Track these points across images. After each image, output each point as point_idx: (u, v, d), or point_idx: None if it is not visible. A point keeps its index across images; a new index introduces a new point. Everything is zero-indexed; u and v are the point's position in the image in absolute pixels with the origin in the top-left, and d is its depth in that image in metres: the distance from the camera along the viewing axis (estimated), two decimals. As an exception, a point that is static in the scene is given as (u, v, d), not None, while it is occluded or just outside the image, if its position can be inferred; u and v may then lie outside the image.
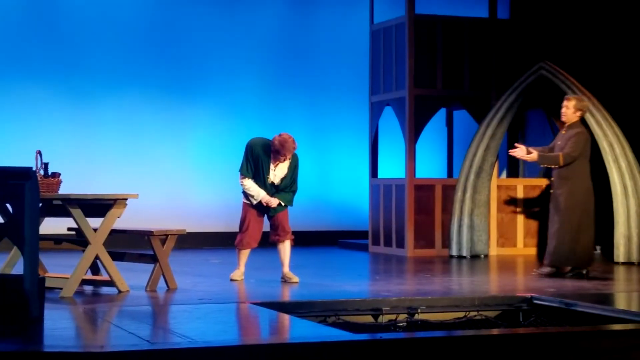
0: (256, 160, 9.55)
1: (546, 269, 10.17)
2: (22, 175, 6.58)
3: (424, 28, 13.45)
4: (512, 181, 13.85)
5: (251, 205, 9.63)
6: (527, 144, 14.50)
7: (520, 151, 10.24)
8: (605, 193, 12.43)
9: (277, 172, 9.62)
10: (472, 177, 12.99)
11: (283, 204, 9.65)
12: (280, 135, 9.57)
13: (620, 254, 12.01)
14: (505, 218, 13.49)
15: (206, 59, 14.88)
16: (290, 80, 15.31)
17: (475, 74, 13.59)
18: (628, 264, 11.76)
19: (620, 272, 10.78)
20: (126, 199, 8.56)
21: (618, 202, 12.09)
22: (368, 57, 14.32)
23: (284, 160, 9.56)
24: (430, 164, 14.88)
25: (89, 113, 14.31)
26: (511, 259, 12.74)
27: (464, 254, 12.91)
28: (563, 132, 10.32)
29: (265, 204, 9.58)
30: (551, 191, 10.30)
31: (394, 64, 13.66)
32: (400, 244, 13.35)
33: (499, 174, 13.77)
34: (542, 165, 10.20)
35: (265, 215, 9.73)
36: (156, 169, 14.50)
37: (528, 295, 8.45)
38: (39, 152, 8.78)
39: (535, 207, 13.61)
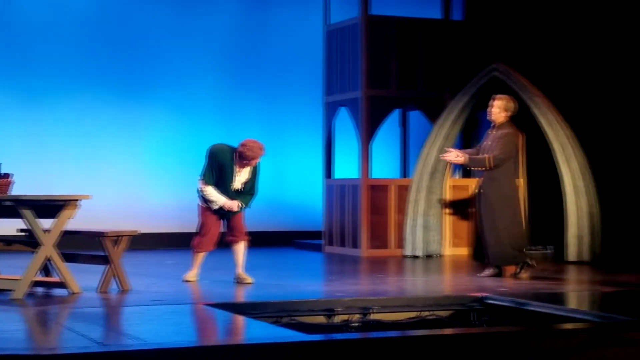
0: (220, 168, 9.51)
1: (489, 271, 10.23)
2: (-28, 176, 6.52)
3: (378, 29, 13.50)
4: (466, 181, 13.93)
5: (210, 208, 9.59)
6: (479, 144, 14.67)
7: (450, 155, 10.27)
8: (557, 193, 12.56)
9: (241, 178, 9.60)
10: (426, 177, 13.06)
11: (242, 206, 9.63)
12: (247, 141, 9.53)
13: (571, 254, 12.13)
14: (459, 218, 13.56)
15: (160, 60, 14.82)
16: (245, 81, 15.29)
17: (430, 74, 13.66)
18: (579, 263, 11.87)
19: (571, 272, 10.88)
20: (78, 200, 8.50)
21: (569, 203, 12.21)
22: (322, 58, 14.33)
23: (250, 166, 9.54)
24: (384, 165, 14.92)
25: (42, 114, 14.19)
26: (465, 259, 12.82)
27: (418, 254, 12.97)
28: (492, 132, 10.33)
29: (227, 209, 9.54)
30: (481, 191, 10.26)
31: (348, 65, 13.69)
32: (355, 244, 13.38)
33: (453, 174, 13.85)
34: (472, 168, 10.23)
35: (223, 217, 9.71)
36: (109, 169, 14.41)
37: (480, 295, 8.50)
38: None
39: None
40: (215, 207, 9.54)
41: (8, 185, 8.65)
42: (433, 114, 13.47)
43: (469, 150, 10.59)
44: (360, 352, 5.90)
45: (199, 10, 15.03)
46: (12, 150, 13.12)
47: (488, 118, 10.35)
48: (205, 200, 9.57)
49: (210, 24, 15.08)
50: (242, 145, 9.51)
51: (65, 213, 8.46)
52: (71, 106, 14.32)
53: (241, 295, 8.78)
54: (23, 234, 9.42)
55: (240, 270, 9.72)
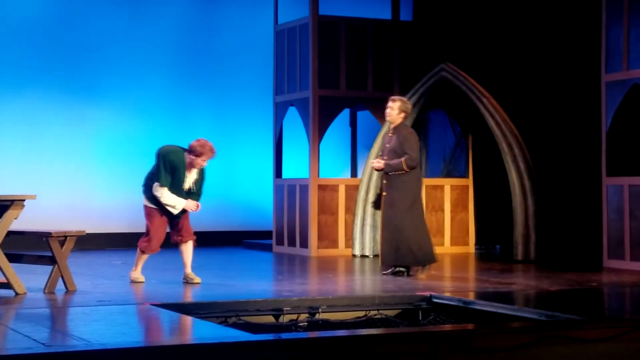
0: (174, 170, 9.47)
1: (391, 269, 10.26)
2: None
3: (327, 29, 13.53)
4: (415, 181, 13.99)
5: (158, 210, 9.54)
6: (430, 144, 14.77)
7: (377, 163, 10.30)
8: (504, 193, 12.67)
9: (190, 178, 9.59)
10: (374, 177, 13.10)
11: (199, 208, 9.62)
12: (198, 140, 9.52)
13: (519, 253, 12.23)
14: (407, 218, 13.61)
15: (109, 58, 14.73)
16: (195, 80, 15.25)
17: (379, 75, 13.72)
18: (526, 262, 11.98)
19: (518, 271, 10.98)
20: (24, 200, 8.43)
21: (517, 202, 12.32)
22: (272, 57, 14.33)
23: (200, 166, 9.52)
24: (333, 164, 14.96)
25: (-12, 112, 14.06)
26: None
27: (367, 254, 13.01)
28: (390, 134, 10.39)
29: (190, 210, 9.51)
30: (383, 193, 10.32)
31: (298, 65, 13.71)
32: (304, 244, 13.40)
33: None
34: (389, 172, 10.26)
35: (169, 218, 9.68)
36: (56, 169, 14.29)
37: (427, 294, 8.56)
38: None
39: (438, 207, 13.79)
40: (176, 211, 9.50)
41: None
42: (382, 114, 13.49)
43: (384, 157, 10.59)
44: (307, 352, 5.91)
45: (149, 9, 14.97)
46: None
47: (387, 119, 10.41)
48: (154, 201, 9.50)
49: (160, 22, 15.01)
50: (195, 144, 9.49)
51: (10, 213, 8.38)
52: (17, 104, 14.19)
53: (189, 295, 8.76)
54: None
55: (189, 270, 9.70)
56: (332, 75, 13.53)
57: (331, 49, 13.53)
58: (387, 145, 10.32)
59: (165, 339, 6.56)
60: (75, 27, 14.56)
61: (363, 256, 12.98)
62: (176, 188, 9.47)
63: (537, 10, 13.45)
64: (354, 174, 14.76)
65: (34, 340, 5.94)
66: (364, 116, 14.62)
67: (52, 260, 8.79)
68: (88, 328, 6.67)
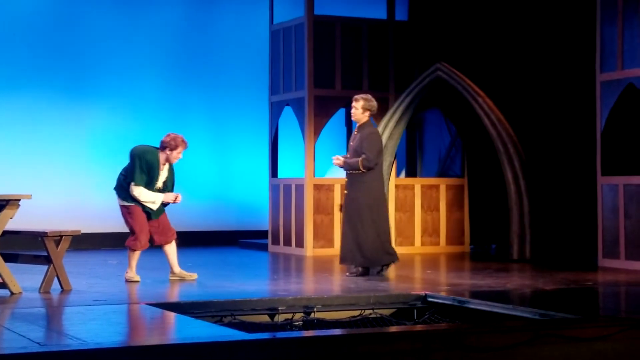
0: (149, 169, 9.54)
1: (355, 270, 10.25)
2: None
3: (323, 29, 13.54)
4: (410, 181, 14.03)
5: (136, 205, 9.59)
6: (425, 144, 14.79)
7: (336, 160, 10.28)
8: (499, 192, 12.69)
9: (162, 176, 9.67)
10: (370, 176, 13.10)
11: (159, 210, 9.68)
12: (168, 135, 9.61)
13: (514, 252, 12.25)
14: (403, 217, 13.65)
15: (105, 58, 14.73)
16: (191, 80, 15.26)
17: (374, 74, 13.73)
18: (522, 261, 12.00)
19: (513, 270, 11.00)
20: (19, 200, 8.44)
21: (512, 202, 12.33)
22: (268, 57, 14.34)
23: (175, 160, 9.61)
24: (329, 164, 14.97)
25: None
26: (408, 257, 12.88)
27: (363, 253, 13.00)
28: (355, 132, 10.38)
29: (170, 201, 9.59)
30: (345, 192, 10.31)
31: (293, 64, 13.72)
32: (300, 243, 13.40)
33: (397, 174, 13.93)
34: (347, 171, 10.28)
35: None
36: (52, 169, 14.29)
37: (422, 293, 8.58)
38: None
39: (433, 206, 13.81)
40: (156, 206, 9.55)
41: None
42: (378, 114, 13.52)
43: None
44: (302, 351, 5.92)
45: (144, 8, 14.97)
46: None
47: (353, 119, 10.36)
48: (133, 201, 9.57)
49: (156, 23, 15.02)
50: (166, 136, 9.57)
51: (5, 213, 8.39)
52: (12, 104, 14.19)
53: (184, 294, 8.77)
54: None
55: (179, 268, 9.77)
56: (327, 75, 13.54)
57: (327, 48, 13.54)
58: (351, 144, 10.32)
59: (161, 338, 6.56)
60: (72, 27, 14.56)
61: (358, 256, 12.97)
62: (150, 187, 9.58)
63: (532, 10, 13.47)
64: (349, 173, 14.76)
65: (29, 339, 5.95)
66: (359, 116, 14.61)
67: (47, 260, 8.80)
68: (83, 327, 6.68)
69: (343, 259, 10.33)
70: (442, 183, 13.90)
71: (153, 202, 9.55)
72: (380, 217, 10.23)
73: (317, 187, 13.38)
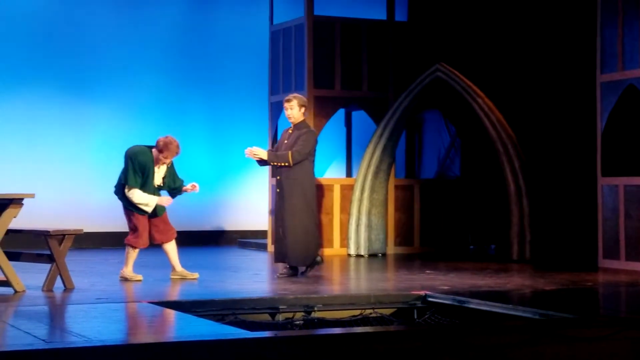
0: (143, 169, 9.58)
1: (285, 270, 10.22)
2: None
3: (323, 29, 13.57)
4: (409, 181, 14.07)
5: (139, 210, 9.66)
6: (424, 145, 14.83)
7: (249, 151, 10.12)
8: (499, 192, 12.73)
9: (159, 174, 9.71)
10: (370, 177, 13.16)
11: (159, 209, 9.72)
12: (166, 137, 9.64)
13: (514, 252, 12.28)
14: (402, 217, 13.69)
15: (105, 57, 14.76)
16: (190, 80, 15.29)
17: (374, 75, 13.77)
18: (522, 261, 12.03)
19: (513, 270, 11.03)
20: (22, 199, 8.47)
21: (512, 202, 12.36)
22: (267, 57, 14.37)
23: (167, 163, 9.63)
24: (329, 164, 15.02)
25: (-16, 111, 14.10)
26: (408, 257, 12.93)
27: (362, 253, 13.06)
28: (290, 131, 10.26)
29: (163, 204, 9.64)
30: (277, 190, 10.23)
31: (293, 65, 13.75)
32: (300, 243, 13.41)
33: (397, 174, 13.97)
34: (272, 164, 10.21)
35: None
36: (54, 168, 14.33)
37: (422, 292, 8.61)
38: None
39: (431, 207, 13.85)
40: (149, 209, 9.60)
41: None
42: (377, 114, 13.58)
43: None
44: (303, 350, 5.96)
45: (144, 8, 15.00)
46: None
47: (290, 120, 10.20)
48: (132, 205, 9.62)
49: (155, 23, 15.05)
50: (160, 139, 9.64)
51: (9, 212, 8.42)
52: (15, 104, 14.22)
53: (185, 293, 8.81)
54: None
55: (179, 268, 9.81)
56: (327, 76, 13.57)
57: (326, 49, 13.58)
58: (285, 142, 10.16)
59: (163, 336, 6.60)
60: (73, 26, 14.59)
61: (358, 256, 13.03)
62: (147, 186, 9.62)
63: (532, 11, 13.52)
64: (348, 173, 14.81)
65: (34, 336, 5.99)
66: (358, 116, 14.67)
67: (50, 259, 8.84)
68: (87, 325, 6.71)
69: (277, 258, 10.23)
70: (441, 184, 13.96)
71: (147, 205, 9.61)
72: (310, 216, 10.12)
73: (317, 187, 13.38)
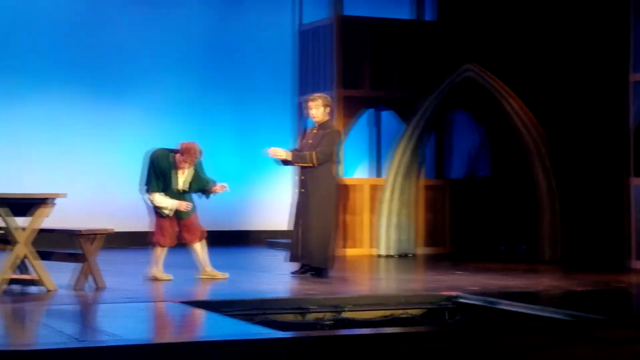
0: (164, 174, 9.65)
1: (301, 269, 10.19)
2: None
3: (351, 29, 13.57)
4: (439, 181, 14.05)
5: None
6: (453, 145, 14.79)
7: (271, 151, 10.11)
8: (529, 192, 12.67)
9: (184, 178, 9.73)
10: (399, 177, 13.14)
11: (189, 208, 9.74)
12: (188, 143, 9.71)
13: (545, 253, 12.22)
14: (431, 218, 13.66)
15: (134, 59, 14.83)
16: (218, 80, 15.31)
17: (402, 75, 13.74)
18: (553, 262, 11.97)
19: (544, 271, 10.99)
20: (54, 199, 8.53)
21: (543, 202, 12.30)
22: (293, 58, 14.38)
23: (188, 166, 9.66)
24: (357, 164, 15.00)
25: (16, 112, 14.19)
26: (437, 258, 12.91)
27: (392, 254, 13.05)
28: (314, 130, 10.18)
29: (182, 209, 9.65)
30: (301, 190, 10.15)
31: (321, 65, 13.75)
32: (329, 243, 13.41)
33: (426, 175, 13.95)
34: (295, 165, 10.17)
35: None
36: (84, 168, 14.40)
37: (453, 293, 8.59)
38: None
39: (461, 207, 13.82)
40: (169, 212, 9.65)
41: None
42: (406, 114, 13.55)
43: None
44: (334, 350, 5.96)
45: (171, 11, 15.05)
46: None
47: (314, 120, 10.16)
48: (155, 209, 9.69)
49: (182, 24, 15.10)
50: (185, 142, 9.69)
51: (41, 211, 8.48)
52: (46, 105, 14.31)
53: (214, 293, 8.83)
54: (-1, 232, 9.41)
55: (209, 268, 9.83)
56: (355, 76, 13.57)
57: (355, 49, 13.57)
58: (310, 142, 10.10)
59: (193, 335, 6.63)
60: (102, 27, 14.66)
61: (388, 256, 13.02)
62: (169, 190, 9.67)
63: (563, 10, 13.45)
64: (378, 174, 14.79)
65: (66, 335, 6.04)
66: (387, 116, 14.65)
67: (81, 258, 8.90)
68: (117, 324, 6.76)
69: (299, 257, 10.16)
70: (471, 183, 13.92)
71: (166, 208, 9.66)
72: (333, 218, 10.07)
73: (346, 188, 13.40)
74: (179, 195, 9.72)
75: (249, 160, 15.32)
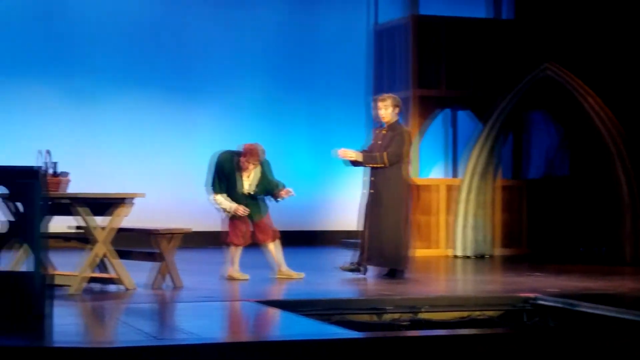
0: (228, 177, 9.71)
1: (352, 264, 10.09)
2: (31, 175, 6.66)
3: (428, 29, 13.50)
4: (516, 182, 13.90)
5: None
6: (531, 145, 14.63)
7: (341, 152, 10.04)
8: (609, 193, 12.46)
9: (250, 181, 9.75)
10: (476, 177, 13.04)
11: (254, 213, 9.78)
12: (249, 144, 9.73)
13: (627, 254, 12.01)
14: (508, 218, 13.53)
15: (209, 60, 14.95)
16: (292, 80, 15.35)
17: (480, 74, 13.63)
18: (635, 264, 11.75)
19: (626, 273, 10.80)
20: (133, 198, 8.62)
21: (624, 203, 12.08)
22: (369, 57, 14.35)
23: (253, 168, 9.67)
24: (433, 164, 14.92)
25: (96, 113, 14.40)
26: (515, 259, 12.77)
27: (468, 254, 12.96)
28: (383, 131, 10.08)
29: (238, 213, 9.67)
30: (371, 191, 10.04)
31: (397, 64, 13.71)
32: (404, 243, 13.36)
33: (503, 175, 13.82)
34: (367, 165, 10.05)
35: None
36: (162, 168, 14.56)
37: (532, 295, 8.48)
38: (48, 152, 8.81)
39: (539, 208, 13.66)
40: (229, 213, 9.70)
41: (66, 183, 8.79)
42: (482, 114, 13.44)
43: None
44: (409, 350, 5.94)
45: (247, 11, 15.14)
46: (68, 149, 13.26)
47: (382, 120, 10.05)
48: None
49: (258, 25, 15.17)
50: (247, 143, 9.75)
51: (120, 211, 8.58)
52: (124, 106, 14.50)
53: (290, 292, 8.85)
54: (77, 231, 9.52)
55: (284, 267, 9.84)
56: (432, 75, 13.50)
57: (431, 48, 13.50)
58: (379, 142, 10.01)
59: (270, 334, 6.65)
60: (177, 29, 14.80)
61: (465, 257, 12.92)
62: (233, 193, 9.73)
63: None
64: (454, 174, 14.69)
65: (146, 333, 6.09)
66: (464, 116, 14.54)
67: (159, 257, 8.98)
68: (195, 323, 6.81)
69: (369, 258, 10.06)
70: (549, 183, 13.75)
71: (225, 210, 9.73)
72: (404, 219, 9.97)
73: (422, 188, 13.33)
74: (245, 197, 9.75)
75: (324, 160, 15.30)
